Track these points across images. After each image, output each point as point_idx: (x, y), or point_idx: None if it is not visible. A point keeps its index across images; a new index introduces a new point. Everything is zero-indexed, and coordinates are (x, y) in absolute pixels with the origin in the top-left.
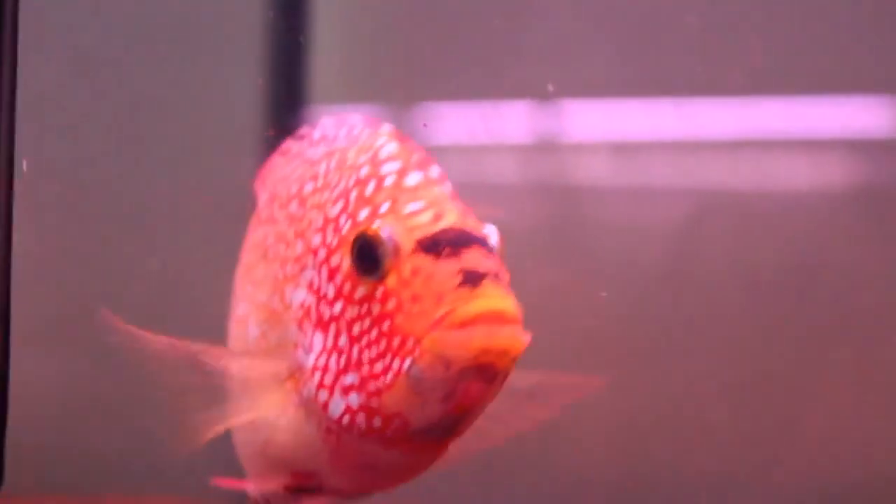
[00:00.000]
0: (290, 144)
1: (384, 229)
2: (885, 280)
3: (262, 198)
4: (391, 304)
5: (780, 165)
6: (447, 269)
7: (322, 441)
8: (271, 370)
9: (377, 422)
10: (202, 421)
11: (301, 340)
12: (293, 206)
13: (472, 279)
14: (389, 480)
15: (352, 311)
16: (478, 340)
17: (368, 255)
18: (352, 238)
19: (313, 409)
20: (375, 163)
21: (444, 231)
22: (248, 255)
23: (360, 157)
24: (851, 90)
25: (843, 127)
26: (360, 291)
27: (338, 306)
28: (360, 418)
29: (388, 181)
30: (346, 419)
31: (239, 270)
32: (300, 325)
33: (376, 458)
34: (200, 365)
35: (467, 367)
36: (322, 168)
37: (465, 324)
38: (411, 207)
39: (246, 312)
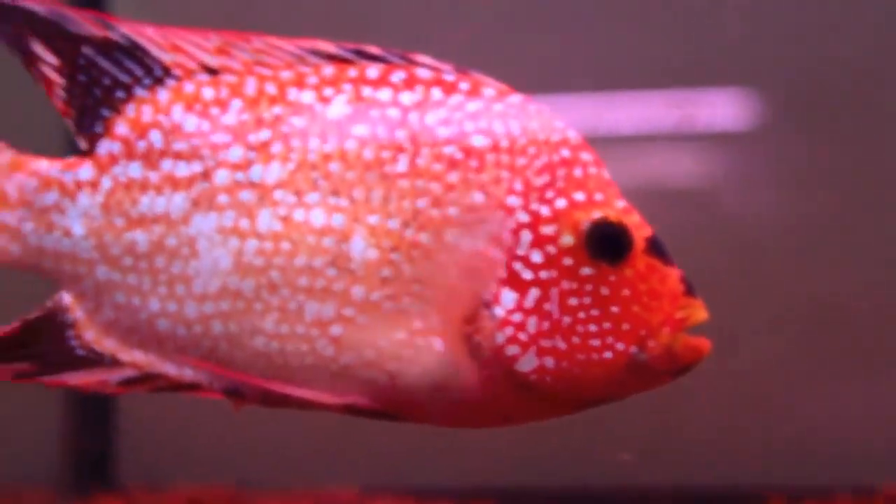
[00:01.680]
0: (407, 73)
1: (623, 222)
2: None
3: (376, 117)
4: (625, 292)
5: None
6: (676, 275)
7: (470, 388)
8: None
9: (565, 386)
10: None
11: (472, 288)
12: (452, 150)
13: (692, 289)
14: (496, 423)
15: (570, 285)
16: (704, 348)
17: (610, 243)
18: (584, 220)
19: (485, 355)
20: (572, 147)
21: (657, 235)
22: (336, 165)
23: (546, 132)
24: (694, 84)
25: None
26: (587, 271)
27: (546, 273)
28: (549, 379)
29: (592, 170)
30: (533, 376)
31: (300, 173)
32: (472, 273)
33: (519, 411)
34: None
35: (686, 367)
36: (497, 126)
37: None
38: (621, 204)
39: (345, 229)
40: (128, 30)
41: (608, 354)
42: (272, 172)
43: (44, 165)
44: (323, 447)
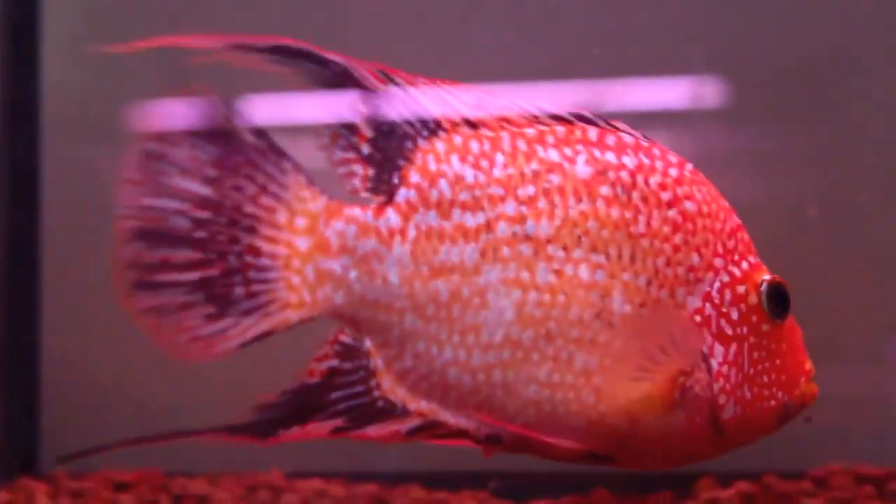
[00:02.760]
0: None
1: (785, 283)
2: None
3: (599, 171)
4: (784, 347)
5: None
6: (798, 328)
7: (680, 432)
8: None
9: (744, 431)
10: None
11: (693, 343)
12: (673, 213)
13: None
14: (682, 464)
15: (754, 340)
16: (816, 392)
17: (781, 302)
18: (762, 281)
19: (697, 404)
20: (733, 211)
21: None
22: (593, 224)
23: (721, 199)
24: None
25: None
26: (766, 327)
27: (741, 329)
28: (736, 425)
29: (746, 236)
30: (730, 423)
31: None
32: (697, 328)
33: (703, 452)
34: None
35: (803, 410)
36: (697, 193)
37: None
38: (763, 266)
39: (607, 283)
40: (404, 80)
41: (773, 403)
42: (543, 227)
43: (358, 212)
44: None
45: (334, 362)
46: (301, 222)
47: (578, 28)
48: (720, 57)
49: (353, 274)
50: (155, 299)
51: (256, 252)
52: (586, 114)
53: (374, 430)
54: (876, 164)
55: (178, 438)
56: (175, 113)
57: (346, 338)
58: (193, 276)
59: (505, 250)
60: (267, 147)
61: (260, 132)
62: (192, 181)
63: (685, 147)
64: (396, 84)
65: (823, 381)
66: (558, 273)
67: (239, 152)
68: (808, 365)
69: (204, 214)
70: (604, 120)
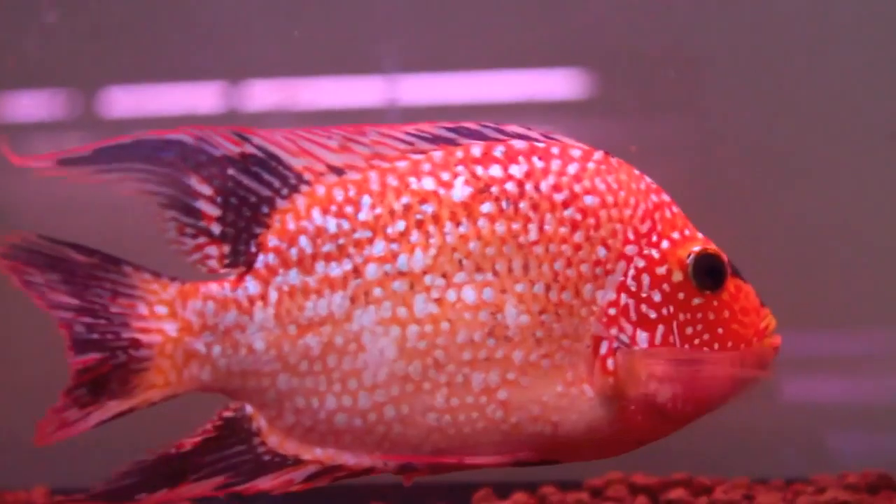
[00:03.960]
0: (494, 147)
1: (717, 251)
2: None
3: (481, 188)
4: (725, 314)
5: None
6: (751, 289)
7: (614, 423)
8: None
9: (692, 407)
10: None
11: (612, 335)
12: (570, 212)
13: (761, 299)
14: (631, 448)
15: (685, 316)
16: (778, 342)
17: (712, 273)
18: (687, 256)
19: (626, 394)
20: (654, 191)
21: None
22: (475, 244)
23: (634, 182)
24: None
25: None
26: (697, 301)
27: (667, 309)
28: (680, 404)
29: (674, 210)
30: (670, 404)
31: (439, 259)
32: (612, 322)
33: (651, 434)
34: None
35: (769, 364)
36: (599, 184)
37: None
38: (700, 235)
39: (497, 301)
40: (262, 139)
41: (724, 370)
42: (417, 260)
43: (215, 288)
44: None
45: (210, 433)
46: (161, 310)
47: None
48: (581, 49)
49: (216, 350)
50: (67, 401)
51: (137, 345)
52: (471, 126)
53: (265, 482)
54: (733, 156)
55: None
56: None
57: (227, 413)
58: (89, 376)
59: (377, 291)
60: (99, 260)
61: (88, 250)
62: (61, 296)
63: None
64: (253, 144)
65: None
66: (439, 301)
67: (76, 272)
68: (764, 322)
69: (86, 320)
70: (494, 128)
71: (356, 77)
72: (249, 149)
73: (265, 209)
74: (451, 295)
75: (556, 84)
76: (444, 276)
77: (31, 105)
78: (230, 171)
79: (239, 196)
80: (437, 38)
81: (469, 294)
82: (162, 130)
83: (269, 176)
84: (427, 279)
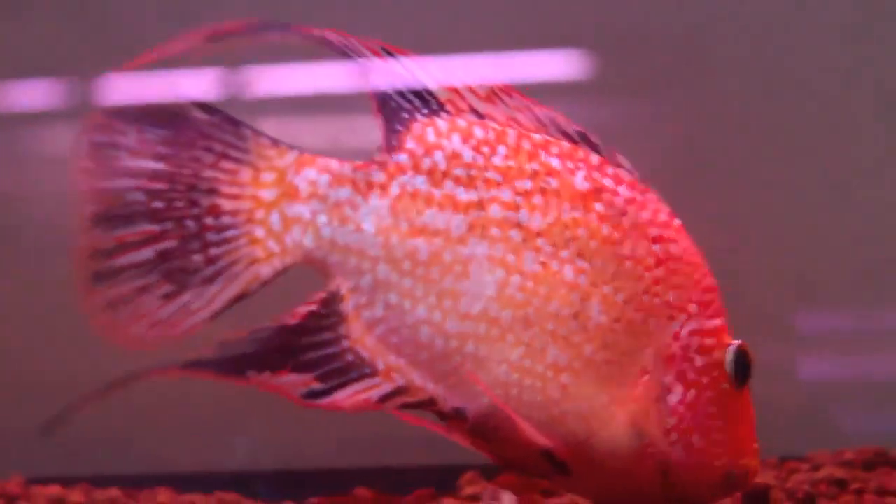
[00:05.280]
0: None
1: (750, 355)
2: None
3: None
4: (738, 413)
5: None
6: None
7: (629, 459)
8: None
9: (687, 480)
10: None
11: (656, 374)
12: (658, 248)
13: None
14: (622, 500)
15: (713, 394)
16: (757, 475)
17: (744, 369)
18: (730, 345)
19: (648, 434)
20: (710, 274)
21: None
22: (583, 231)
23: (704, 260)
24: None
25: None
26: (725, 386)
27: (702, 378)
28: (682, 471)
29: (720, 301)
30: (677, 465)
31: (562, 229)
32: (662, 361)
33: (649, 492)
34: None
35: (741, 490)
36: (681, 239)
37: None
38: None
39: (588, 289)
40: (412, 61)
41: (719, 463)
42: (535, 220)
43: (334, 163)
44: None
45: (313, 307)
46: (268, 177)
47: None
48: (578, 30)
49: (322, 218)
50: (114, 289)
51: (217, 212)
52: (592, 139)
53: (344, 397)
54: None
55: (132, 380)
56: (121, 92)
57: (331, 286)
58: (149, 252)
59: (494, 230)
60: (220, 120)
61: (210, 108)
62: (143, 159)
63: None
64: (401, 62)
65: None
66: (544, 265)
67: (190, 129)
68: (756, 444)
69: (159, 185)
70: (609, 151)
71: (341, 61)
72: (398, 62)
73: (406, 115)
74: (554, 265)
75: (552, 66)
76: (553, 245)
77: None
78: (381, 71)
79: (388, 92)
80: (428, 20)
81: (569, 272)
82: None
83: (412, 94)
84: (539, 241)
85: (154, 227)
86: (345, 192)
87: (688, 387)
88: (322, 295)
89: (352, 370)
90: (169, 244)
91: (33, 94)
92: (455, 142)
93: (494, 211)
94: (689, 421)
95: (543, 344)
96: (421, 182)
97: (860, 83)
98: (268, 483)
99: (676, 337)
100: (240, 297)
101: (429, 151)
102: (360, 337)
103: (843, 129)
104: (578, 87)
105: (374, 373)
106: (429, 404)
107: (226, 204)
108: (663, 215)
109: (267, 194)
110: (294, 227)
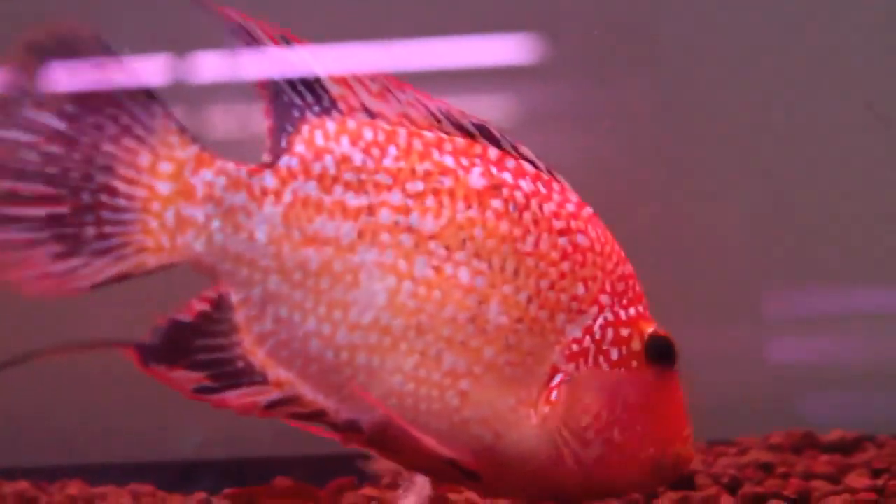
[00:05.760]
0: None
1: (672, 340)
2: None
3: (502, 190)
4: (663, 402)
5: None
6: (682, 392)
7: (545, 461)
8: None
9: (608, 475)
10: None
11: (568, 370)
12: (563, 241)
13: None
14: (545, 499)
15: (631, 385)
16: (692, 460)
17: (665, 356)
18: (648, 333)
19: (561, 434)
20: (627, 262)
21: None
22: (480, 231)
23: (617, 245)
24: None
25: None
26: (644, 375)
27: (619, 371)
28: (602, 467)
29: (638, 287)
30: (594, 463)
31: (448, 231)
32: (570, 358)
33: (567, 492)
34: None
35: (677, 477)
36: (591, 230)
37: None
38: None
39: (486, 291)
40: (306, 51)
41: (644, 455)
42: (427, 223)
43: (231, 166)
44: None
45: (207, 307)
46: (165, 167)
47: None
48: (534, 14)
49: (216, 223)
50: (2, 234)
51: (112, 192)
52: (493, 131)
53: (233, 397)
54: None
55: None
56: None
57: (214, 294)
58: (40, 211)
59: (384, 236)
60: (136, 88)
61: (130, 74)
62: (47, 114)
63: (503, 105)
64: (296, 52)
65: None
66: (437, 269)
67: (103, 89)
68: (688, 430)
69: (55, 149)
70: (509, 143)
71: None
72: (294, 56)
73: (296, 113)
74: (448, 268)
75: (504, 49)
76: (447, 248)
77: None
78: (275, 61)
79: (278, 86)
80: (387, 4)
81: (464, 275)
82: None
83: (304, 88)
84: (431, 244)
85: (48, 190)
86: (240, 198)
87: (603, 381)
88: (213, 296)
89: (243, 376)
90: (61, 209)
91: None
92: (344, 145)
93: (384, 216)
94: (607, 416)
95: (439, 351)
96: (312, 188)
97: (848, 64)
98: (185, 473)
99: (588, 331)
100: (122, 278)
101: (319, 155)
102: (252, 348)
103: (812, 109)
104: (528, 70)
105: (264, 381)
106: (320, 416)
107: (121, 186)
108: (570, 206)
109: (163, 188)
110: (187, 229)
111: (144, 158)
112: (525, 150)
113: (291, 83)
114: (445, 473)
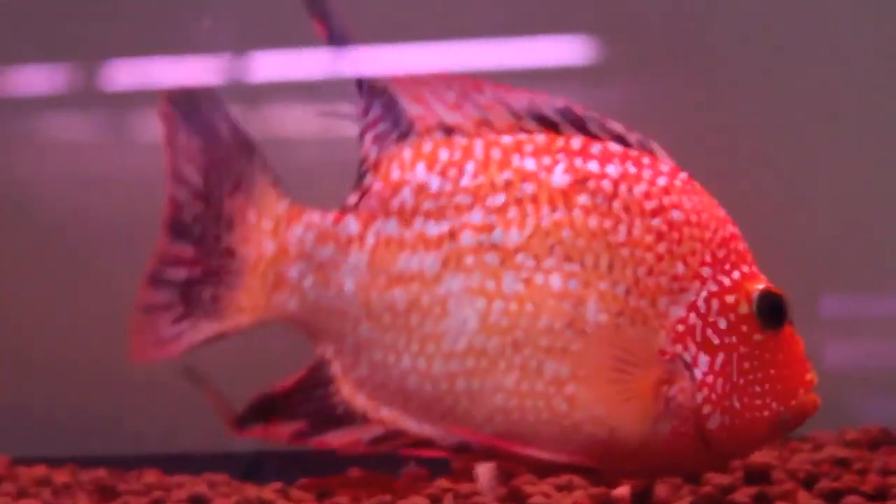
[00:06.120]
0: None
1: (781, 293)
2: None
3: (579, 181)
4: (779, 357)
5: None
6: (800, 340)
7: (665, 442)
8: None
9: (735, 443)
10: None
11: (676, 351)
12: (657, 222)
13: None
14: (666, 474)
15: (745, 349)
16: (818, 403)
17: (776, 312)
18: (755, 290)
19: (681, 413)
20: (730, 221)
21: None
22: (568, 233)
23: (714, 208)
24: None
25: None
26: (758, 337)
27: (730, 339)
28: (726, 436)
29: (744, 245)
30: (717, 433)
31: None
32: (678, 338)
33: (691, 463)
34: None
35: (803, 422)
36: (685, 202)
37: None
38: (762, 276)
39: (580, 293)
40: (384, 79)
41: (766, 413)
42: (512, 236)
43: (317, 217)
44: None
45: (303, 374)
46: (267, 224)
47: None
48: (589, 14)
49: (308, 280)
50: (155, 296)
51: (231, 253)
52: (577, 112)
53: (334, 437)
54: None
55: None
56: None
57: (317, 353)
58: (182, 273)
59: (469, 259)
60: (242, 141)
61: (234, 125)
62: (191, 167)
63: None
64: (373, 84)
65: None
66: (527, 282)
67: (219, 143)
68: (810, 376)
69: (199, 208)
70: (596, 121)
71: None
72: (378, 82)
73: (374, 152)
74: (538, 278)
75: (560, 51)
76: (535, 257)
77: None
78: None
79: (368, 126)
80: (440, 5)
81: (556, 281)
82: None
83: (387, 115)
84: (518, 257)
85: (193, 251)
86: (328, 252)
87: (714, 353)
88: (310, 363)
89: (343, 421)
90: (195, 272)
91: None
92: (420, 172)
93: (466, 239)
94: (723, 386)
95: (539, 362)
96: (393, 227)
97: (870, 59)
98: (258, 464)
99: (692, 307)
100: (217, 339)
101: (397, 189)
102: (351, 395)
103: (874, 109)
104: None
105: (365, 421)
106: (427, 444)
107: (238, 247)
108: (662, 180)
109: (269, 247)
110: (283, 288)
111: (252, 215)
112: (612, 124)
113: (379, 111)
114: (567, 470)
